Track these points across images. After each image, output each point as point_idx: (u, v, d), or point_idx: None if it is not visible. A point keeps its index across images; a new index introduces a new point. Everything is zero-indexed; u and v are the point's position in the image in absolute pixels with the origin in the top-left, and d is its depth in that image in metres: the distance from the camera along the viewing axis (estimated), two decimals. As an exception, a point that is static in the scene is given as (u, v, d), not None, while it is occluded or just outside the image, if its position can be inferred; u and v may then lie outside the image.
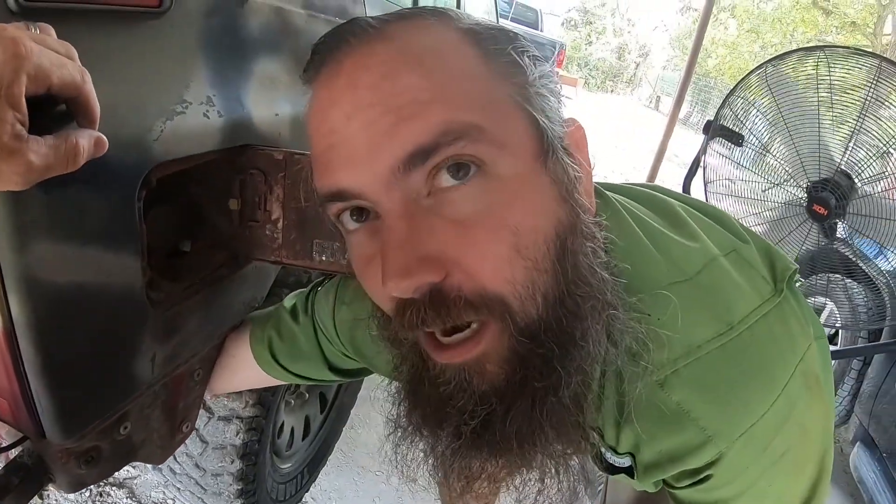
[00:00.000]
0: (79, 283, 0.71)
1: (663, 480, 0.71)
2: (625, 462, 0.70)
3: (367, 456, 2.28)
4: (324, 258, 0.95)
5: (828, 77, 1.83)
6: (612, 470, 0.73)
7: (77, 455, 0.84)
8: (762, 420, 0.60)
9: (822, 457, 0.66)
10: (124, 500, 1.94)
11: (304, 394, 1.80)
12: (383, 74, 0.50)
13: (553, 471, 0.59)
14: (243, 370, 1.03)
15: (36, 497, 1.54)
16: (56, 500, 1.87)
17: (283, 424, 1.70)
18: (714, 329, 0.61)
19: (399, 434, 0.65)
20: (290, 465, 1.80)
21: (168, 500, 1.95)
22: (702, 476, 0.65)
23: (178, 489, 1.51)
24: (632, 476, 0.71)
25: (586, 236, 0.56)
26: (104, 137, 0.57)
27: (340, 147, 0.51)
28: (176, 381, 0.98)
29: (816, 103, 1.86)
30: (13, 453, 0.84)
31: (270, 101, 0.96)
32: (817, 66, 1.84)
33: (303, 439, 1.86)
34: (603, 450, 0.72)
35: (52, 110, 0.54)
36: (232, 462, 1.35)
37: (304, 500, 2.01)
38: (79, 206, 0.67)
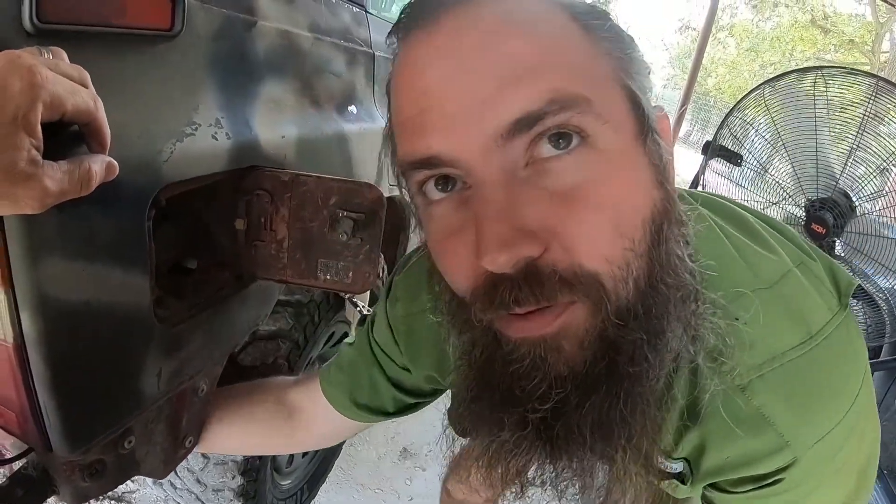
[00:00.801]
0: (89, 300, 0.73)
1: (713, 486, 0.70)
2: (677, 467, 0.69)
3: (367, 474, 2.28)
4: (328, 277, 0.96)
5: (825, 94, 1.85)
6: (662, 476, 0.71)
7: (82, 468, 0.85)
8: (836, 429, 0.60)
9: (867, 465, 0.67)
10: (126, 516, 1.95)
11: (306, 410, 1.80)
12: (487, 37, 0.47)
13: (627, 475, 0.56)
14: (322, 423, 0.99)
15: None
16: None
17: (284, 441, 1.71)
18: (797, 337, 0.61)
19: (458, 426, 0.61)
20: (290, 481, 1.81)
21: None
22: (769, 481, 0.64)
23: (179, 504, 1.51)
24: (682, 482, 0.70)
25: (678, 223, 0.54)
26: (115, 162, 0.59)
27: (436, 110, 0.48)
28: (180, 397, 0.99)
29: (814, 120, 1.88)
30: (17, 465, 0.86)
31: (277, 123, 0.98)
32: (815, 83, 1.86)
33: (303, 456, 1.87)
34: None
35: (64, 135, 0.55)
36: (233, 478, 1.36)
37: (303, 516, 2.02)
38: (90, 226, 0.69)
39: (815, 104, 1.86)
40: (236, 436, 1.05)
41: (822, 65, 1.88)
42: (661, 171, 0.53)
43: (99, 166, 0.56)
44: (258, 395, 1.03)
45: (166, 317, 0.87)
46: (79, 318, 0.72)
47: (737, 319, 0.59)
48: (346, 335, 1.75)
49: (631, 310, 0.49)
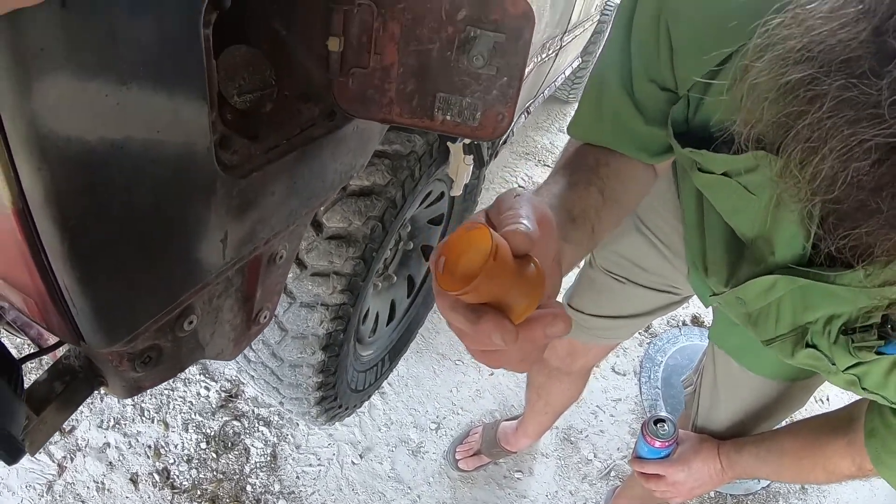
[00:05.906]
0: (116, 139, 0.49)
1: None
2: None
3: (448, 344, 2.14)
4: (448, 117, 0.71)
5: None
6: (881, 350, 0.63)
7: (132, 357, 0.66)
8: None
9: None
10: (197, 377, 1.85)
11: (392, 276, 1.62)
12: None
13: None
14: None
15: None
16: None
17: (368, 310, 1.53)
18: None
19: None
20: (371, 351, 1.66)
21: (242, 380, 1.85)
22: None
23: (252, 377, 1.36)
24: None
25: None
26: None
27: None
28: (253, 266, 0.79)
29: None
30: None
31: None
32: None
33: (387, 325, 1.71)
34: None
35: None
36: (313, 353, 1.19)
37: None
38: (111, 23, 0.43)
39: None
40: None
41: None
42: None
43: None
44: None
45: (234, 163, 0.65)
46: (102, 166, 0.49)
47: None
48: (442, 195, 1.51)
49: None
